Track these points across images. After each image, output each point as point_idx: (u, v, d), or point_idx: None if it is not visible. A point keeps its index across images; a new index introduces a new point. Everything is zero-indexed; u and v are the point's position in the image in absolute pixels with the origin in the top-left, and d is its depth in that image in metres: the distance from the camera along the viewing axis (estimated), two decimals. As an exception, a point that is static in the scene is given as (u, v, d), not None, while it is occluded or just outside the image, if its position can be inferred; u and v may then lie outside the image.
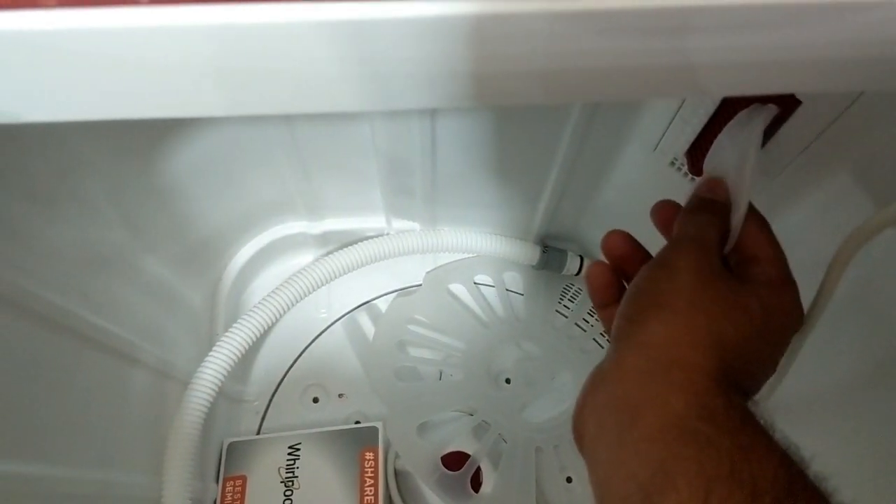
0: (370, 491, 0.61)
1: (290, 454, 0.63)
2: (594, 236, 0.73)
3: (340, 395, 0.70)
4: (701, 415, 0.28)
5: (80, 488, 0.44)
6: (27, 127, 0.37)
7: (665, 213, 0.40)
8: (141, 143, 0.50)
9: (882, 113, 0.39)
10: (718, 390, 0.29)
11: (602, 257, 0.41)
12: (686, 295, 0.32)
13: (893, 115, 0.39)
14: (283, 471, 0.62)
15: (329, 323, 0.73)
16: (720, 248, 0.35)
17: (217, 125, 0.53)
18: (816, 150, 0.43)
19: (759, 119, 0.41)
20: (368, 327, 0.73)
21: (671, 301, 0.32)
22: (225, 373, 0.59)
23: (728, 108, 0.45)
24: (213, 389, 0.58)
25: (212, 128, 0.53)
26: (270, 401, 0.70)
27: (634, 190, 0.62)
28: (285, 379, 0.70)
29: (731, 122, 0.43)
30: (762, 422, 0.28)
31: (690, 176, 0.53)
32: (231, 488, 0.62)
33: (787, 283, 0.34)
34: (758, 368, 0.32)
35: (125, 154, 0.48)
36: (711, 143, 0.45)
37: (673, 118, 0.50)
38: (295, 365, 0.71)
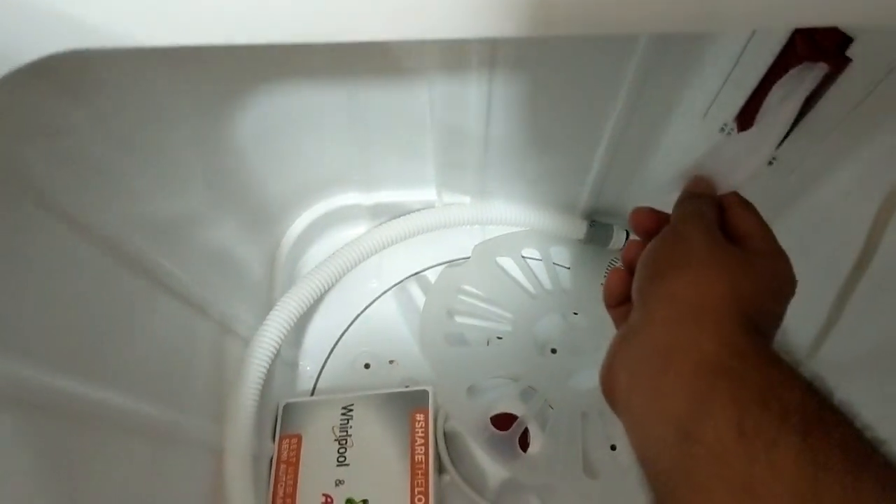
0: (421, 451, 0.63)
1: (343, 415, 0.66)
2: (640, 212, 0.74)
3: (391, 362, 0.72)
4: (731, 353, 0.30)
5: (156, 424, 0.46)
6: (119, 76, 0.41)
7: (642, 218, 0.42)
8: (215, 101, 0.53)
9: (934, 68, 0.40)
10: (745, 332, 0.31)
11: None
12: (702, 255, 0.34)
13: (946, 69, 0.40)
14: (337, 430, 0.65)
15: (380, 292, 0.76)
16: (719, 226, 0.38)
17: (282, 92, 0.56)
18: (867, 107, 0.44)
19: (810, 77, 0.42)
20: (418, 297, 0.75)
21: (689, 261, 0.34)
22: (284, 333, 0.62)
23: (779, 69, 0.46)
24: (273, 349, 0.61)
25: (277, 93, 0.56)
26: (323, 366, 0.72)
27: (681, 164, 0.63)
28: (338, 345, 0.73)
29: (781, 81, 0.44)
30: (787, 359, 0.30)
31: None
32: (287, 446, 0.64)
33: (781, 253, 0.37)
34: (769, 322, 0.34)
35: (203, 111, 0.51)
36: (761, 106, 0.47)
37: (724, 82, 0.51)
38: (347, 332, 0.74)
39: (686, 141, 0.59)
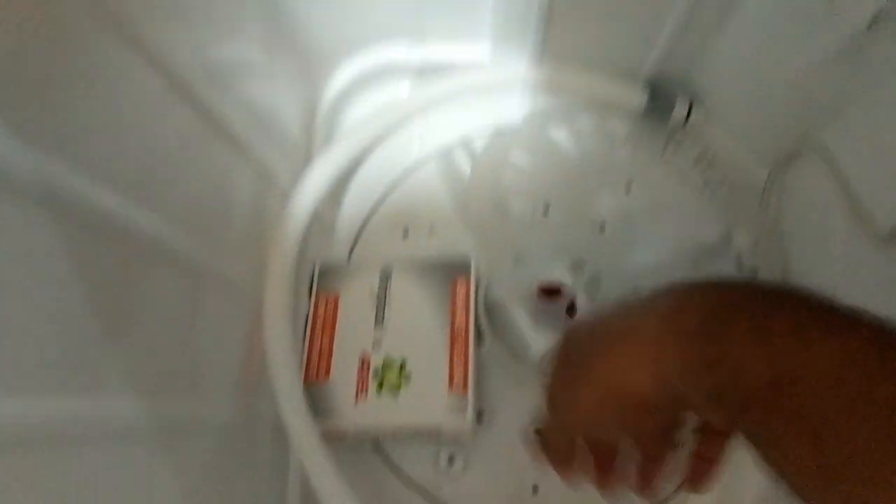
0: (461, 318, 0.61)
1: (382, 279, 0.64)
2: (706, 85, 0.68)
3: (431, 231, 0.69)
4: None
5: (196, 261, 0.45)
6: None
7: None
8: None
9: None
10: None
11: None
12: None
13: None
14: (375, 293, 0.63)
15: (422, 158, 0.72)
16: None
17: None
18: None
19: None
20: (463, 164, 0.71)
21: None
22: (324, 189, 0.59)
23: None
24: (313, 204, 0.58)
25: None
26: (360, 231, 0.70)
27: (758, 32, 0.58)
28: (376, 210, 0.70)
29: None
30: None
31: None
32: (323, 305, 0.63)
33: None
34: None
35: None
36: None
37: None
38: (386, 198, 0.71)
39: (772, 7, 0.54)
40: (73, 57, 0.32)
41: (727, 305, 0.29)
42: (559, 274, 0.60)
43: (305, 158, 0.65)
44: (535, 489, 0.62)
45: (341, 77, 0.68)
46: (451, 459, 0.63)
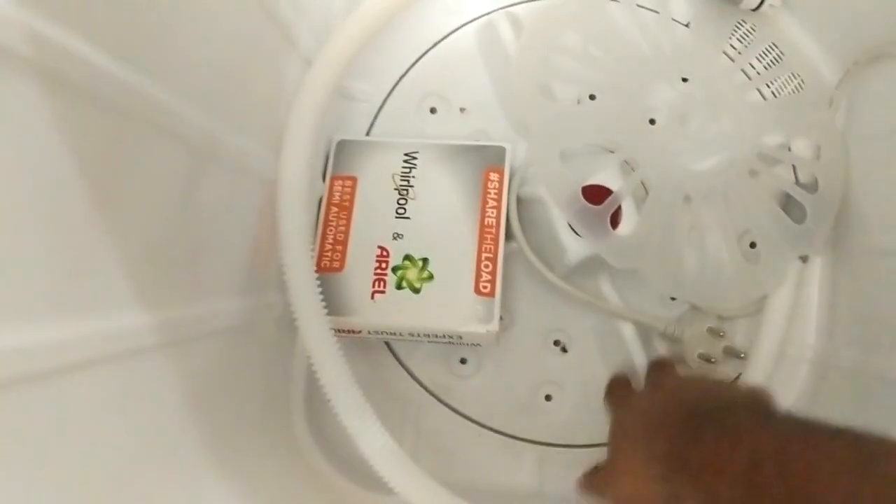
0: (492, 213, 0.55)
1: (406, 162, 0.57)
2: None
3: (462, 110, 0.62)
4: None
5: (202, 135, 0.38)
6: None
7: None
8: None
9: None
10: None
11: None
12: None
13: None
14: (397, 178, 0.56)
15: (459, 25, 0.63)
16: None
17: None
18: None
19: None
20: (505, 36, 0.62)
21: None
22: (350, 54, 0.51)
23: None
24: (338, 72, 0.50)
25: None
26: (383, 103, 0.62)
27: None
28: (402, 81, 0.62)
29: None
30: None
31: None
32: (340, 188, 0.56)
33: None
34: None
35: None
36: None
37: None
38: (414, 67, 0.62)
39: None
40: None
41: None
42: (608, 175, 0.54)
43: (325, 23, 0.56)
44: (549, 398, 0.59)
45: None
46: (462, 360, 0.59)
